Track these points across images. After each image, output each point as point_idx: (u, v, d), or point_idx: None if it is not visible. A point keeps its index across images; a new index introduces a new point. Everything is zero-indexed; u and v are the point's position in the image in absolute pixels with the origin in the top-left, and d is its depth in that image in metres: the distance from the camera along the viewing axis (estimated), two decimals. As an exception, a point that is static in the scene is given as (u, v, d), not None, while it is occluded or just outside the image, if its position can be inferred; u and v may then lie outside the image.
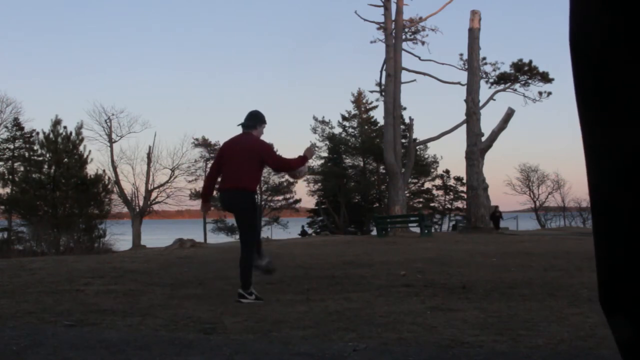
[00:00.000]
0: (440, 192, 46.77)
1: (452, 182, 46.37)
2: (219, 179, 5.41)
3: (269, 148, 5.40)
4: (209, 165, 41.85)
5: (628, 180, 1.03)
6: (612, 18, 1.04)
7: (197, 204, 40.90)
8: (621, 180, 1.04)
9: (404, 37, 23.82)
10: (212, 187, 5.58)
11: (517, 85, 25.19)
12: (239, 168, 5.17)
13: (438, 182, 46.33)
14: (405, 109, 32.48)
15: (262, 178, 43.01)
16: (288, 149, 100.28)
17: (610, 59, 1.05)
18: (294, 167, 5.36)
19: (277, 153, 5.46)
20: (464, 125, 22.45)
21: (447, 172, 46.13)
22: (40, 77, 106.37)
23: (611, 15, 1.04)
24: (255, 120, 5.38)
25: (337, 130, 44.59)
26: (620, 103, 1.05)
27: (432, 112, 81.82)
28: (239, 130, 5.44)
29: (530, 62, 24.70)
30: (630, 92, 1.03)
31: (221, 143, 5.62)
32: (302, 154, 5.38)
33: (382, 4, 22.78)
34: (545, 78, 24.66)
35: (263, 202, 38.26)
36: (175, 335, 3.53)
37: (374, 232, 24.40)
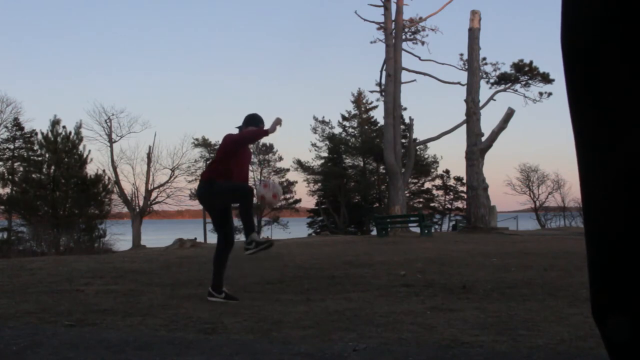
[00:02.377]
0: (440, 192, 46.81)
1: (452, 182, 46.39)
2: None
3: (230, 135, 5.21)
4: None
5: (623, 183, 1.03)
6: (603, 16, 1.04)
7: (197, 204, 40.94)
8: (615, 182, 1.04)
9: (404, 37, 23.81)
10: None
11: (517, 86, 25.20)
12: (210, 162, 5.35)
13: (438, 182, 46.37)
14: (405, 109, 32.56)
15: (262, 178, 43.13)
16: (288, 149, 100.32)
17: (602, 57, 1.05)
18: (253, 134, 5.26)
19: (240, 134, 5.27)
20: (464, 125, 22.44)
21: (447, 172, 46.16)
22: (40, 77, 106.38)
23: (603, 13, 1.04)
24: (245, 122, 5.39)
25: (337, 130, 44.69)
26: (612, 101, 1.05)
27: (432, 112, 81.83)
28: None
29: (531, 62, 24.72)
30: (622, 90, 1.03)
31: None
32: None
33: (382, 4, 22.78)
34: (545, 78, 24.65)
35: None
36: (175, 335, 3.53)
37: (374, 232, 24.38)
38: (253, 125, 5.32)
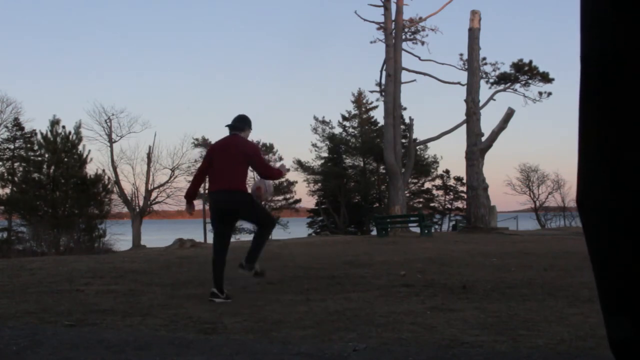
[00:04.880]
0: (440, 192, 46.78)
1: (452, 182, 46.37)
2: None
3: (258, 152, 5.56)
4: (209, 165, 41.74)
5: (628, 181, 1.03)
6: (628, 33, 1.03)
7: (197, 204, 41.04)
8: (620, 181, 1.04)
9: (404, 37, 23.80)
10: (198, 188, 5.63)
11: (517, 86, 25.16)
12: (232, 170, 5.22)
13: (438, 182, 46.34)
14: (405, 109, 32.50)
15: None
16: (288, 149, 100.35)
17: (624, 75, 1.04)
18: (276, 176, 5.65)
19: (264, 158, 5.65)
20: (464, 125, 22.43)
21: (447, 172, 46.14)
22: (40, 77, 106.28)
23: (628, 29, 1.03)
24: (244, 123, 5.52)
25: (337, 130, 44.64)
26: (622, 103, 1.05)
27: (432, 112, 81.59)
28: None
29: (531, 62, 24.70)
30: (631, 92, 1.03)
31: None
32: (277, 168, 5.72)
33: (382, 4, 22.77)
34: (545, 78, 24.63)
35: (263, 202, 38.19)
36: (175, 335, 3.53)
37: (374, 232, 24.38)
38: (247, 128, 5.52)
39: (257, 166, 5.38)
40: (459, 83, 24.08)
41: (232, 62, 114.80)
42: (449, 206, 46.48)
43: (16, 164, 32.48)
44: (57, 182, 28.46)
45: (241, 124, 5.48)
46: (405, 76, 23.03)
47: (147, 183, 33.00)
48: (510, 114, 22.31)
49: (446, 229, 39.48)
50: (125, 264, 8.68)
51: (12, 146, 34.00)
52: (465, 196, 25.29)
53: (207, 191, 5.70)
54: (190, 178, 31.91)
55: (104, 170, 30.57)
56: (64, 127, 29.50)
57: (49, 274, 7.26)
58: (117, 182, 31.69)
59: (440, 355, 2.91)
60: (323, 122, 44.20)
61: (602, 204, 1.07)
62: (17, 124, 33.81)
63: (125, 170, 57.42)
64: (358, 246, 12.71)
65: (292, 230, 39.82)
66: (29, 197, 28.00)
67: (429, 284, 5.85)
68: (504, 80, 25.15)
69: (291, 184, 44.73)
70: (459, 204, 45.39)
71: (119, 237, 29.66)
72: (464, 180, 25.78)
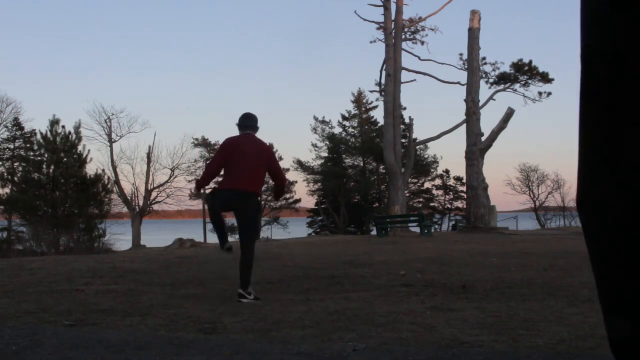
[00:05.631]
0: (440, 192, 46.78)
1: (452, 182, 46.37)
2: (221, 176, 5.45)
3: (274, 155, 5.63)
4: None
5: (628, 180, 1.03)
6: (628, 33, 1.03)
7: (197, 204, 41.12)
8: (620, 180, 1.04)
9: (404, 37, 23.81)
10: (210, 182, 5.63)
11: (517, 86, 25.16)
12: (251, 170, 5.19)
13: (438, 182, 46.35)
14: (405, 109, 32.51)
15: (262, 178, 43.00)
16: (288, 149, 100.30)
17: (624, 75, 1.04)
18: (286, 183, 5.76)
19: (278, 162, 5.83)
20: (464, 125, 22.43)
21: (447, 172, 46.14)
22: (40, 77, 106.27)
23: (628, 29, 1.03)
24: (256, 121, 5.52)
25: (338, 130, 44.65)
26: (620, 100, 1.05)
27: (432, 112, 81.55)
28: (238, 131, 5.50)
29: (531, 62, 24.70)
30: (630, 90, 1.03)
31: (221, 142, 5.60)
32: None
33: (382, 4, 22.78)
34: (545, 78, 24.63)
35: (263, 202, 38.26)
36: (175, 335, 3.53)
37: (374, 232, 24.37)
38: (256, 127, 5.52)
39: (272, 169, 5.41)
40: (459, 83, 24.11)
41: (232, 62, 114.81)
42: (449, 206, 46.47)
43: (16, 164, 32.46)
44: (57, 182, 28.47)
45: (253, 122, 5.48)
46: (405, 76, 23.07)
47: (147, 183, 33.02)
48: (510, 114, 22.31)
49: (446, 229, 39.47)
50: (125, 264, 8.68)
51: (12, 146, 33.99)
52: (465, 196, 25.29)
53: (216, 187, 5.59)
54: (190, 178, 31.23)
55: (104, 170, 30.61)
56: (64, 127, 29.55)
57: (49, 274, 7.26)
58: (117, 182, 31.69)
59: (440, 355, 2.91)
60: (323, 122, 44.22)
61: (602, 204, 1.07)
62: (17, 124, 33.80)
63: (125, 170, 57.34)
64: (358, 246, 12.70)
65: (292, 230, 39.84)
66: (29, 197, 28.00)
67: (429, 284, 5.85)
68: (504, 80, 25.15)
69: (291, 184, 44.72)
70: (459, 204, 45.39)
71: (119, 237, 29.67)
72: (464, 180, 25.79)
